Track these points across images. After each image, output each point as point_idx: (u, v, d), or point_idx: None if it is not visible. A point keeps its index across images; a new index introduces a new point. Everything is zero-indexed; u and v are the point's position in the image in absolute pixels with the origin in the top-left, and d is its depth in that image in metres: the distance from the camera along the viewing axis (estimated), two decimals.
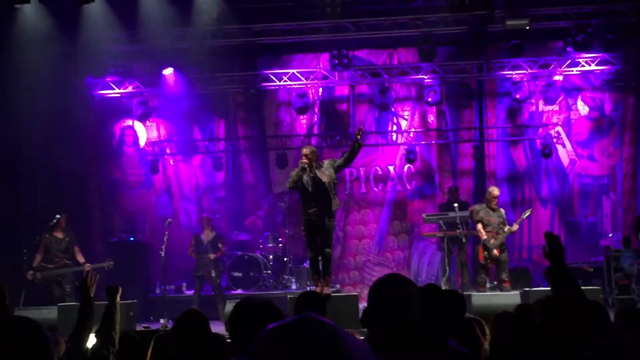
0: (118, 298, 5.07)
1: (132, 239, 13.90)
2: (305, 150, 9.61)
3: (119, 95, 14.61)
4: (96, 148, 15.02)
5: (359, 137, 9.36)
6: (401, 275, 2.72)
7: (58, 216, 11.05)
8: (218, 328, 6.73)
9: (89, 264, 11.47)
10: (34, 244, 11.48)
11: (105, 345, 4.68)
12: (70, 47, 12.74)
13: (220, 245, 12.44)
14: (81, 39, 12.65)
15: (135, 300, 10.36)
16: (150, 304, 12.45)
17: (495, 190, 11.06)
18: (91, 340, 7.46)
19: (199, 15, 12.65)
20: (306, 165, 9.34)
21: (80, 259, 11.64)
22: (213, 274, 12.22)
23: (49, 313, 9.73)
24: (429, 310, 2.81)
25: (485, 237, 10.71)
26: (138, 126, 15.19)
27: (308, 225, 9.61)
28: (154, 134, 15.28)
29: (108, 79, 14.19)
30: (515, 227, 10.78)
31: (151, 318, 11.80)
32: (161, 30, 12.62)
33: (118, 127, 15.32)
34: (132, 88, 14.47)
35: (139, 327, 9.75)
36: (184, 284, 13.64)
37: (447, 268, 12.50)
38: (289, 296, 10.16)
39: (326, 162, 9.68)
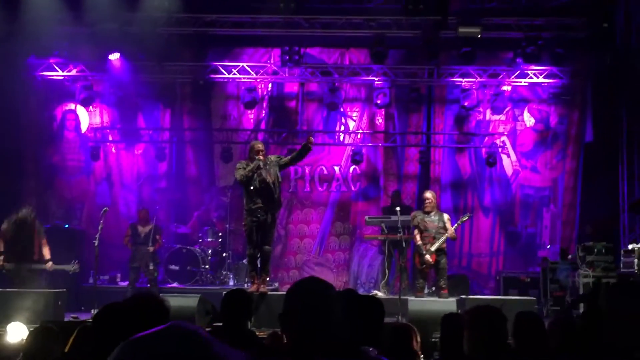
0: None
1: (67, 226, 13.50)
2: (261, 146, 9.57)
3: (62, 77, 14.24)
4: (36, 131, 14.59)
5: (310, 142, 9.28)
6: (321, 279, 2.58)
7: None
8: None
9: (51, 263, 10.85)
10: None
11: None
12: (12, 26, 12.30)
13: (158, 237, 12.15)
14: (24, 17, 12.22)
15: (65, 290, 10.03)
16: (83, 293, 12.09)
17: (426, 193, 11.04)
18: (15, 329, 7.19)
19: (149, 1, 12.36)
20: (261, 164, 9.28)
21: (46, 254, 10.94)
22: (151, 267, 11.90)
23: None
24: (345, 316, 2.70)
25: (419, 242, 10.70)
26: (80, 111, 14.82)
27: (250, 221, 9.52)
28: (96, 120, 14.90)
29: (51, 61, 13.82)
30: (451, 231, 10.65)
31: (82, 308, 11.47)
32: (109, 13, 12.30)
33: (60, 110, 14.91)
34: (77, 71, 14.12)
35: (68, 317, 9.49)
36: (119, 275, 13.35)
37: (387, 271, 12.46)
38: (224, 292, 9.94)
39: (273, 159, 9.62)
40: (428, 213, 10.75)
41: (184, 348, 1.60)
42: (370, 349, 2.67)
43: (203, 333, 1.64)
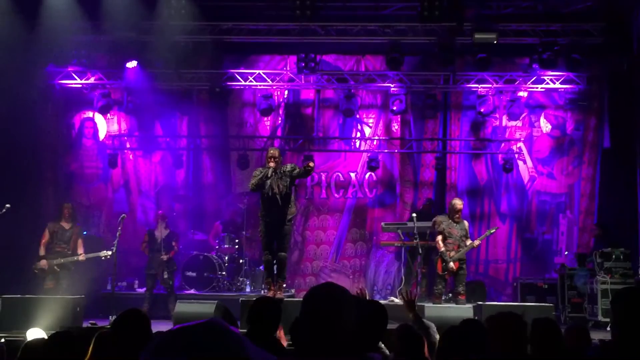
0: None
1: (85, 233, 13.59)
2: (274, 152, 9.57)
3: (80, 85, 14.37)
4: (54, 138, 14.70)
5: (309, 167, 9.26)
6: (337, 285, 2.61)
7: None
8: (168, 327, 6.55)
9: (83, 254, 11.24)
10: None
11: None
12: (31, 34, 12.42)
13: (174, 243, 12.23)
14: (43, 26, 12.34)
15: (83, 296, 10.12)
16: (101, 300, 12.16)
17: (458, 204, 10.97)
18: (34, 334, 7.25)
19: (166, 9, 12.45)
20: (269, 172, 9.30)
21: (80, 249, 11.41)
22: (165, 276, 11.97)
23: None
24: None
25: (442, 249, 10.71)
26: (98, 118, 14.96)
27: (265, 228, 9.56)
28: (114, 128, 15.03)
29: (70, 69, 13.95)
30: (477, 242, 10.82)
31: (100, 314, 11.55)
32: (126, 22, 12.39)
33: (78, 118, 15.05)
34: (94, 79, 14.25)
35: (86, 324, 9.56)
36: (136, 281, 13.43)
37: (404, 278, 12.47)
38: (241, 299, 10.00)
39: (288, 168, 9.58)
40: (457, 222, 10.81)
41: (219, 343, 1.70)
42: (377, 354, 2.69)
43: (238, 332, 1.72)
